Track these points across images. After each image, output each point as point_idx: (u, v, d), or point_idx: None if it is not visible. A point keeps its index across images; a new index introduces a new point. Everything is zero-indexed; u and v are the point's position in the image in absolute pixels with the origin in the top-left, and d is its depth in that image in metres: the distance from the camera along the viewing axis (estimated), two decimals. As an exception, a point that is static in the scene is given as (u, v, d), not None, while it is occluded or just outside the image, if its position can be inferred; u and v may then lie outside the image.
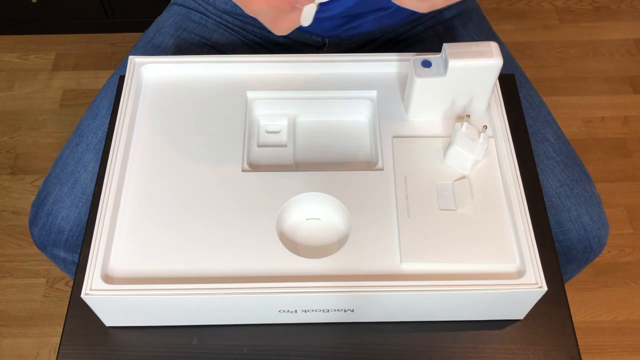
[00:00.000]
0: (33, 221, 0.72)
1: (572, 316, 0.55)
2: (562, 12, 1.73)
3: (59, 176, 0.72)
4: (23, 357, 1.19)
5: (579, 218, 0.69)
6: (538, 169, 0.68)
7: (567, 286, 0.57)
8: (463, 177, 0.56)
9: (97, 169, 0.69)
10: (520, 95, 0.72)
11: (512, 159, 0.57)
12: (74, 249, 0.71)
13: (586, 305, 1.25)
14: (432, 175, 0.56)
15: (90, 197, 0.61)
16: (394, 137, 0.59)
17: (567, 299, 0.56)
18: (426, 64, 0.56)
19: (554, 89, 1.56)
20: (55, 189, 0.71)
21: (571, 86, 1.57)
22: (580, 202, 0.70)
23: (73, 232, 0.70)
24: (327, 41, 0.80)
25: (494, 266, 0.52)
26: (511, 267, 0.52)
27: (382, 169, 0.57)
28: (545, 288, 0.50)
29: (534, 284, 0.50)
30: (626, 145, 1.46)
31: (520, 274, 0.51)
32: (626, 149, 1.46)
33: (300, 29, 0.78)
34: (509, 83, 0.68)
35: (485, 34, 0.82)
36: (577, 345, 0.54)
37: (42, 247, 0.73)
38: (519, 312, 0.54)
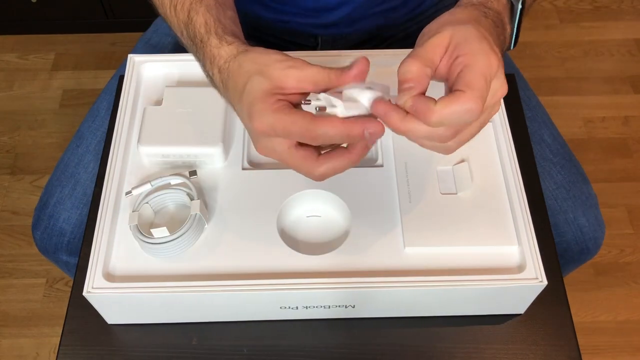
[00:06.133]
0: (35, 225, 0.71)
1: (572, 316, 0.55)
2: (562, 12, 1.73)
3: (59, 178, 0.71)
4: (23, 357, 1.19)
5: (576, 220, 0.69)
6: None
7: (567, 287, 0.57)
8: (462, 161, 0.57)
9: (97, 170, 0.69)
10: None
11: (512, 155, 0.57)
12: (75, 252, 0.70)
13: (586, 305, 1.25)
14: (432, 162, 0.57)
15: (91, 199, 0.61)
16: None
17: (567, 299, 0.56)
18: None
19: (554, 89, 1.56)
20: (56, 192, 0.70)
21: (571, 86, 1.56)
22: (576, 204, 0.69)
23: (74, 235, 0.69)
24: (319, 39, 0.80)
25: (495, 248, 0.52)
26: (512, 249, 0.52)
27: (382, 166, 0.57)
28: (545, 282, 0.50)
29: (534, 278, 0.50)
30: (626, 145, 1.46)
31: (520, 268, 0.51)
32: (626, 149, 1.45)
33: (297, 27, 0.77)
34: (508, 83, 0.68)
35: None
36: (577, 345, 0.54)
37: (44, 251, 0.72)
38: (520, 306, 0.54)
